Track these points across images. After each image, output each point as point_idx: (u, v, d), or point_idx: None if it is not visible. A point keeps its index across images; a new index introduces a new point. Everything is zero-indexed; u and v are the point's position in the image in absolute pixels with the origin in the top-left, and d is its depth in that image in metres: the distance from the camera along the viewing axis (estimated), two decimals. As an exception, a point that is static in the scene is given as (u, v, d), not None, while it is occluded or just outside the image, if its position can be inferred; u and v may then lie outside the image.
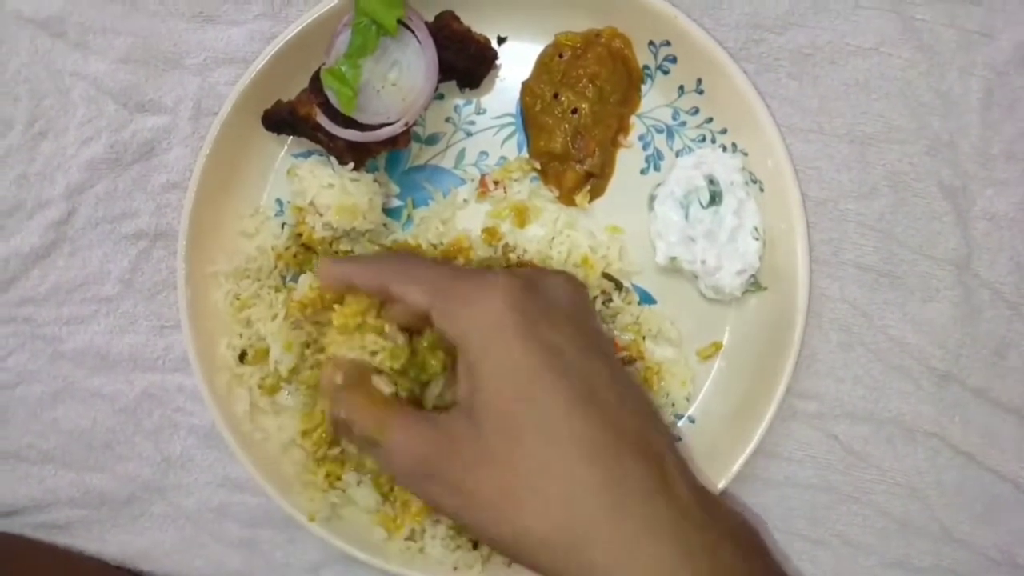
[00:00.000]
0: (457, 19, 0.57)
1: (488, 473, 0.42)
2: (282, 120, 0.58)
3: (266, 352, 0.60)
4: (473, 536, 0.51)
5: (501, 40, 0.60)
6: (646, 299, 0.61)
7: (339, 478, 0.59)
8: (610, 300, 0.60)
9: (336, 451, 0.58)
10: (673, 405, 0.60)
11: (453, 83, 0.60)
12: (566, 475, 0.41)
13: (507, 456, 0.41)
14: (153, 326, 0.63)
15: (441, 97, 0.61)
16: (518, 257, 0.59)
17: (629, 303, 0.60)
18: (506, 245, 0.59)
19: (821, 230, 0.60)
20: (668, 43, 0.58)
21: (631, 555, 0.39)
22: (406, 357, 0.49)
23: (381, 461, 0.46)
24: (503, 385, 0.43)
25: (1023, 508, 0.59)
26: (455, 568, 0.58)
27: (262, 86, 0.58)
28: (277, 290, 0.61)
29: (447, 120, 0.61)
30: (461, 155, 0.61)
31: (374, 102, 0.55)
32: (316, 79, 0.56)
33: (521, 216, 0.60)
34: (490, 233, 0.60)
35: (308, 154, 0.61)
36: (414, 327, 0.49)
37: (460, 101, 0.61)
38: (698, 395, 0.60)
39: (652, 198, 0.60)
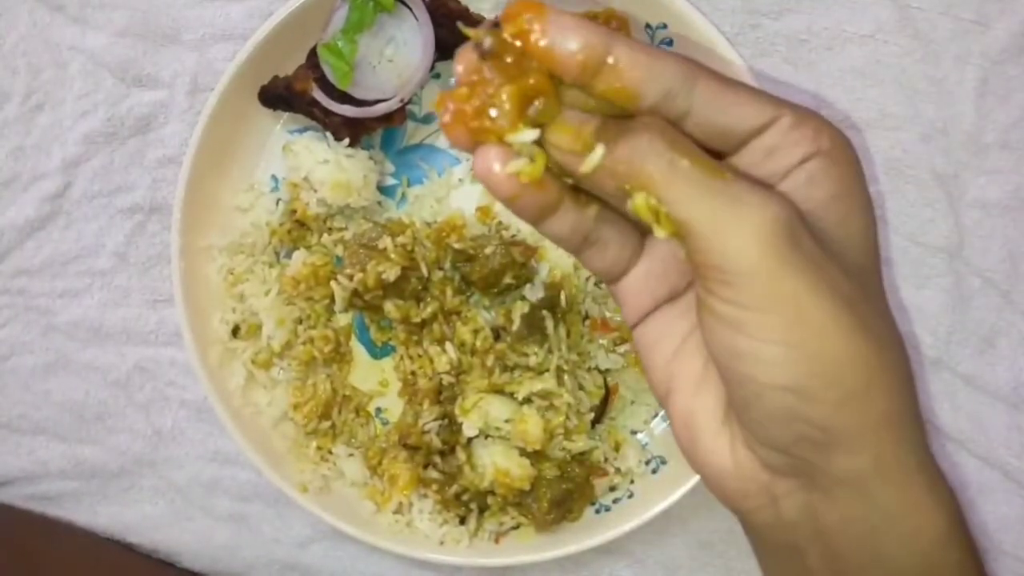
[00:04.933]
0: (455, -3, 0.58)
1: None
2: (278, 96, 0.58)
3: (259, 327, 0.60)
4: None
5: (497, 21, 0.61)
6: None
7: (330, 451, 0.59)
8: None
9: (326, 424, 0.58)
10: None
11: (449, 62, 0.60)
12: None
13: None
14: (146, 300, 0.64)
15: (437, 76, 0.61)
16: (511, 236, 0.59)
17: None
18: (500, 223, 0.60)
19: (814, 215, 0.60)
20: (665, 26, 0.59)
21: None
22: None
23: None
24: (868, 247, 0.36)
25: (1010, 495, 0.60)
26: (441, 543, 0.58)
27: (259, 62, 0.58)
28: (271, 266, 0.61)
29: (443, 99, 0.61)
30: (456, 135, 0.61)
31: (370, 78, 0.56)
32: (313, 55, 0.56)
33: (515, 196, 0.60)
34: (484, 212, 0.60)
35: (304, 130, 0.61)
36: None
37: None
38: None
39: (646, 180, 0.60)
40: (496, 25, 0.32)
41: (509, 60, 0.32)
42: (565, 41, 0.31)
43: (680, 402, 0.37)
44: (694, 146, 0.33)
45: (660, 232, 0.33)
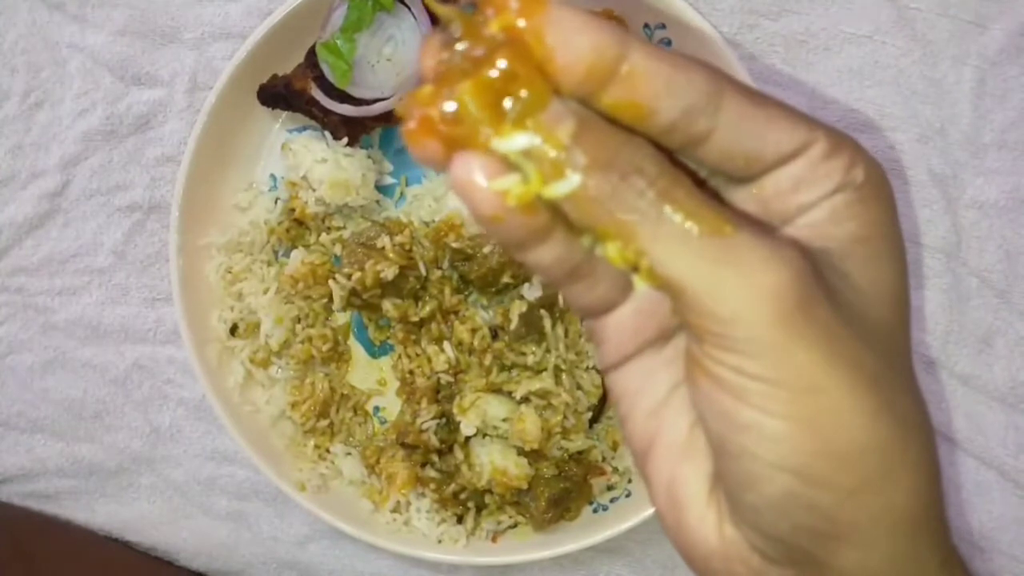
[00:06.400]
0: (453, -3, 0.58)
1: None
2: (277, 94, 0.58)
3: (257, 326, 0.60)
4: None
5: (497, 20, 0.61)
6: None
7: (327, 450, 0.59)
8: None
9: (324, 423, 0.58)
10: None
11: (449, 62, 0.60)
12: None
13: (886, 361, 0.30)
14: (145, 298, 0.64)
15: (436, 76, 0.61)
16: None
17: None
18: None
19: (812, 215, 0.60)
20: (663, 26, 0.59)
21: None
22: None
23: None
24: (893, 304, 0.31)
25: (1007, 494, 0.60)
26: (439, 541, 0.58)
27: (258, 60, 0.58)
28: (269, 264, 0.61)
29: (442, 99, 0.61)
30: (455, 134, 0.61)
31: (369, 77, 0.56)
32: (312, 54, 0.57)
33: (513, 195, 0.60)
34: (482, 211, 0.60)
35: (302, 129, 0.61)
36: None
37: (455, 80, 0.61)
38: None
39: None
40: (473, 5, 0.25)
41: (480, 51, 0.25)
42: (569, 42, 0.25)
43: (662, 466, 0.32)
44: (691, 189, 0.27)
45: (640, 283, 0.28)
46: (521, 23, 0.24)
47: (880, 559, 0.29)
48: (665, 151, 0.28)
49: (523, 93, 0.25)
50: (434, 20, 0.56)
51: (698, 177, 0.30)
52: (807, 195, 0.29)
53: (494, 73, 0.25)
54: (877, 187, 0.30)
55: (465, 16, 0.25)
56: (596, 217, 0.26)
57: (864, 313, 0.29)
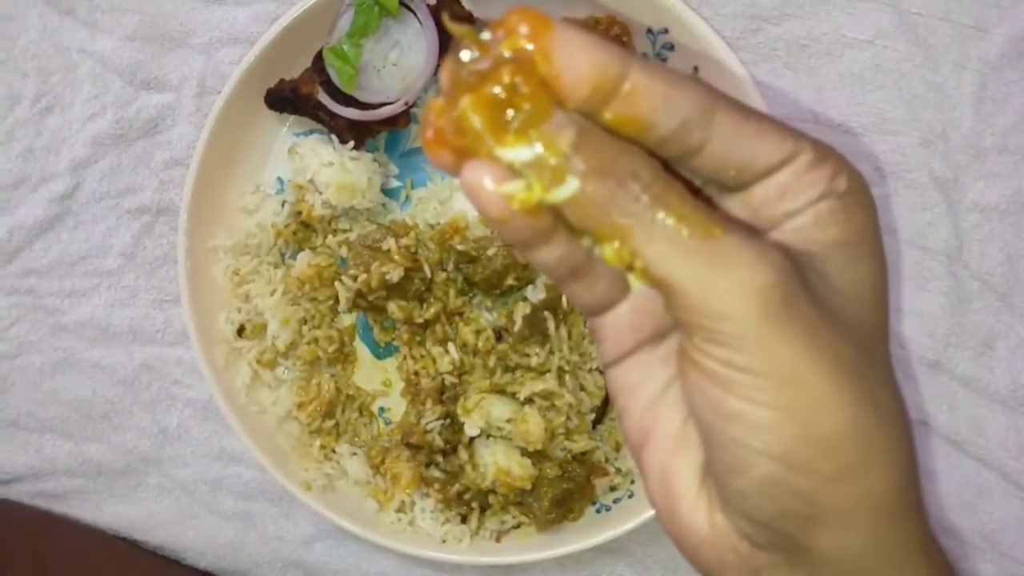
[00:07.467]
0: (458, 2, 0.58)
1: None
2: (284, 98, 0.59)
3: (264, 327, 0.61)
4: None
5: (502, 25, 0.61)
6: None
7: (333, 450, 0.60)
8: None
9: (330, 423, 0.59)
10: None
11: (453, 66, 0.61)
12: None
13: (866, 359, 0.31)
14: (153, 300, 0.64)
15: (441, 80, 0.62)
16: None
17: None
18: (502, 226, 0.60)
19: (813, 218, 0.60)
20: (666, 31, 0.59)
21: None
22: None
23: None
24: (873, 304, 0.33)
25: (1008, 496, 0.60)
26: (443, 541, 0.59)
27: (266, 65, 0.59)
28: (276, 266, 0.62)
29: (447, 103, 0.62)
30: (460, 138, 0.62)
31: (375, 81, 0.56)
32: (319, 58, 0.57)
33: (517, 198, 0.60)
34: (486, 214, 0.60)
35: (309, 133, 0.62)
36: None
37: (460, 84, 0.62)
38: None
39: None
40: (485, 24, 0.27)
41: (486, 65, 0.27)
42: (575, 61, 0.27)
43: (656, 458, 0.34)
44: (683, 195, 0.29)
45: (635, 282, 0.30)
46: (530, 46, 0.26)
47: (860, 543, 0.31)
48: (662, 161, 0.29)
49: (526, 106, 0.27)
50: (440, 28, 0.56)
51: (693, 185, 0.31)
52: (793, 202, 0.31)
53: (497, 88, 0.27)
54: (859, 195, 0.31)
55: (476, 37, 0.27)
56: (594, 220, 0.28)
57: (844, 311, 0.31)
